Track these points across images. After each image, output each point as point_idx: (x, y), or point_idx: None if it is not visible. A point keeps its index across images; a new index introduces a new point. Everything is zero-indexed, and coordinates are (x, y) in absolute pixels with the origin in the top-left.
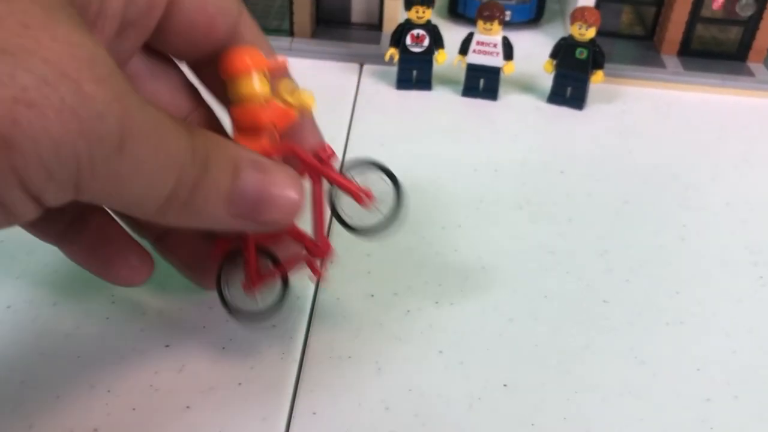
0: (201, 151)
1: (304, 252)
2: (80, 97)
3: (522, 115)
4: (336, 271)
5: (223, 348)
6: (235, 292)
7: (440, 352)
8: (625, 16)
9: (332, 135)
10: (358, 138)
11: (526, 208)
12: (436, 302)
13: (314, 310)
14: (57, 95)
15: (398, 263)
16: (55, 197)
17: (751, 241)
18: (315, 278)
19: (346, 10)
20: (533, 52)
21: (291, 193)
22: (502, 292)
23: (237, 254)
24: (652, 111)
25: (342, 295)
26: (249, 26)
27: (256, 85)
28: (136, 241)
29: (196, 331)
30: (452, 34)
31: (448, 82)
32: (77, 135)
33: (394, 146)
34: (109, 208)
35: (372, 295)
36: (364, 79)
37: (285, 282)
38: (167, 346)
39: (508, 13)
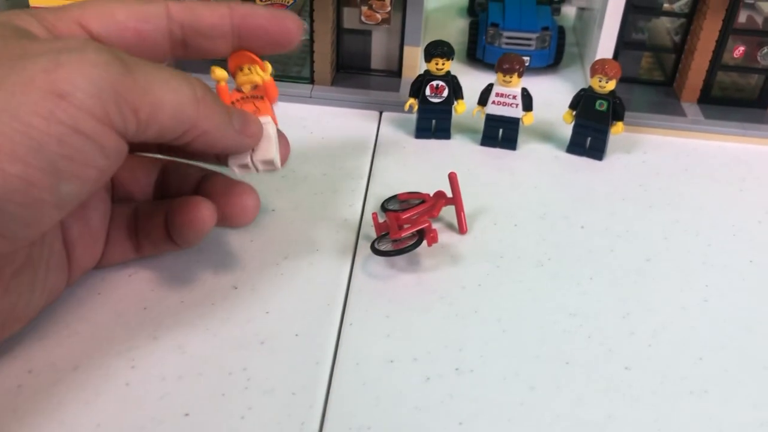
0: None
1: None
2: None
3: (541, 166)
4: (355, 333)
5: (242, 417)
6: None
7: (460, 423)
8: (645, 62)
9: (352, 183)
10: (378, 186)
11: (547, 265)
12: (456, 369)
13: (333, 375)
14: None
15: (418, 325)
16: (122, 121)
17: None
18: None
19: (366, 57)
20: (552, 98)
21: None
22: (523, 357)
23: (385, 235)
24: (672, 161)
25: (361, 360)
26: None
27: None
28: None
29: (215, 398)
30: (471, 79)
31: (467, 131)
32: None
33: None
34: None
35: (391, 361)
36: (384, 127)
37: (420, 239)
38: (186, 414)
39: (526, 59)
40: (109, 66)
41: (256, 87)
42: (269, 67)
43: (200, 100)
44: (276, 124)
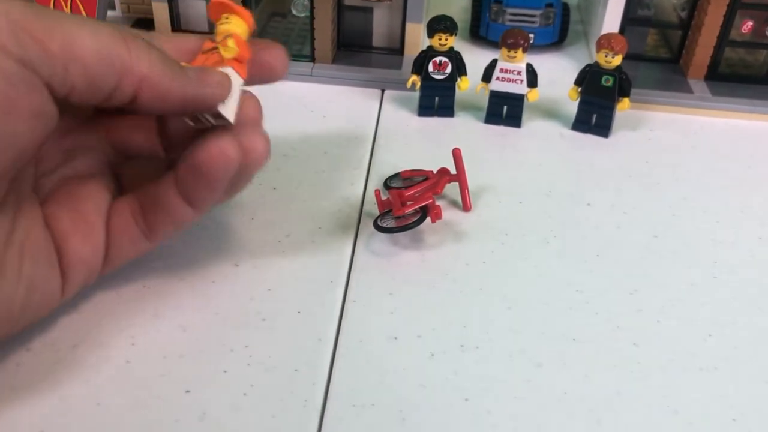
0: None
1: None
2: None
3: (546, 143)
4: (358, 311)
5: (245, 394)
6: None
7: (466, 400)
8: (651, 39)
9: (354, 162)
10: (380, 165)
11: (553, 242)
12: (461, 345)
13: (336, 352)
14: None
15: (422, 302)
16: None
17: None
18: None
19: (367, 34)
20: (557, 76)
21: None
22: (529, 334)
23: (388, 212)
24: (679, 138)
25: (364, 337)
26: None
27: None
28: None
29: (218, 375)
30: (474, 56)
31: (470, 108)
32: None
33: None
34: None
35: (395, 338)
36: (386, 105)
37: (423, 216)
38: (187, 391)
39: (531, 36)
40: (8, 2)
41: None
42: (250, 22)
43: (127, 40)
44: (242, 77)
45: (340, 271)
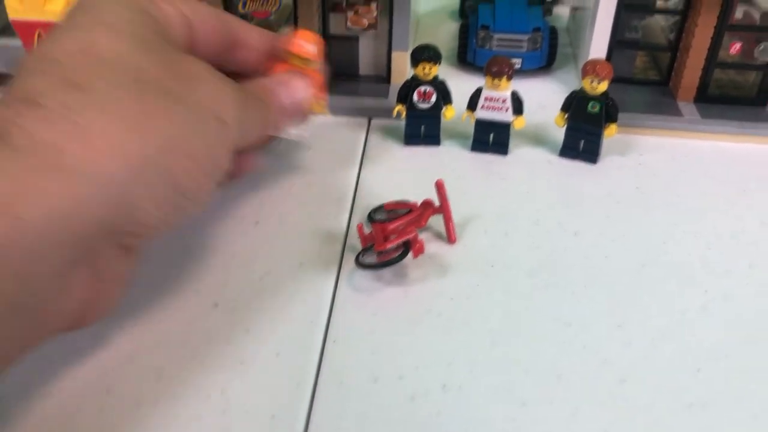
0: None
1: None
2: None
3: (533, 171)
4: (339, 351)
5: None
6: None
7: None
8: (639, 61)
9: (339, 193)
10: (366, 196)
11: (540, 273)
12: (444, 386)
13: (315, 396)
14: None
15: (404, 341)
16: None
17: None
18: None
19: (354, 63)
20: (545, 100)
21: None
22: (514, 371)
23: (370, 246)
24: (669, 162)
25: (345, 379)
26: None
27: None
28: None
29: (192, 423)
30: (462, 82)
31: (457, 136)
32: None
33: None
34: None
35: (376, 379)
36: (372, 134)
37: (405, 251)
38: None
39: (518, 61)
40: (241, 102)
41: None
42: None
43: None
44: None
45: (321, 309)
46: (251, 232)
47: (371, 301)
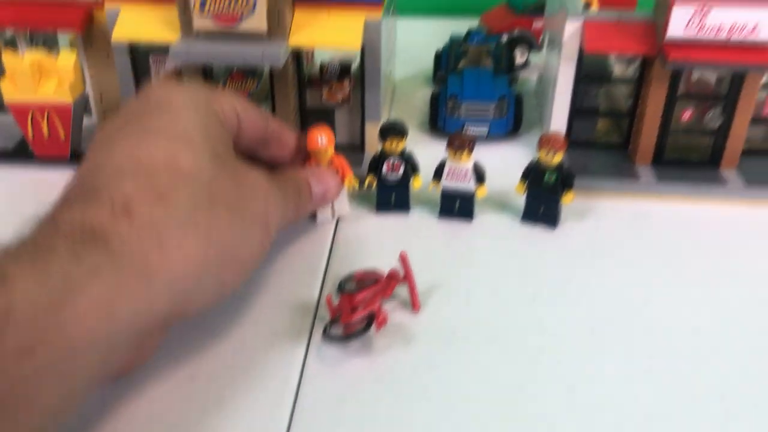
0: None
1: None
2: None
3: (496, 237)
4: (305, 428)
5: None
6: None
7: None
8: (602, 124)
9: (312, 262)
10: (338, 263)
11: (498, 341)
12: None
13: None
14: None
15: (369, 414)
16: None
17: (718, 376)
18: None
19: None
20: (510, 166)
21: (332, 180)
22: None
23: (338, 317)
24: (625, 226)
25: None
26: (282, 129)
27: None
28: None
29: None
30: (433, 148)
31: (426, 203)
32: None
33: None
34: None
35: None
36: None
37: (369, 323)
38: None
39: (484, 128)
40: (283, 203)
41: (331, 162)
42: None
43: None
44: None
45: (290, 383)
46: (225, 302)
47: (339, 374)
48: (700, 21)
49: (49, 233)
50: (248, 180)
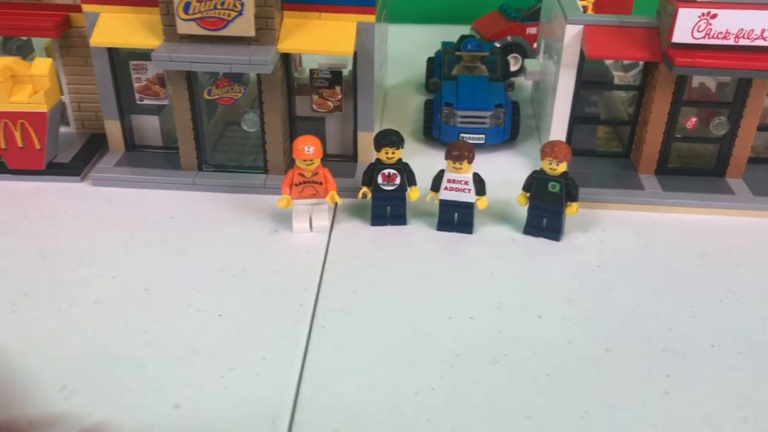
0: None
1: None
2: None
3: (498, 250)
4: None
5: None
6: None
7: None
8: (602, 132)
9: (304, 280)
10: (331, 281)
11: (503, 361)
12: None
13: None
14: None
15: None
16: None
17: (739, 393)
18: None
19: (321, 142)
20: (510, 175)
21: None
22: None
23: None
24: (631, 237)
25: None
26: None
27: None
28: None
29: None
30: (427, 158)
31: (423, 215)
32: None
33: (367, 294)
34: None
35: None
36: (339, 214)
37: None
38: None
39: (482, 137)
40: None
41: (316, 173)
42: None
43: None
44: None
45: (284, 408)
46: (214, 324)
47: (334, 398)
48: (707, 25)
49: None
50: None
